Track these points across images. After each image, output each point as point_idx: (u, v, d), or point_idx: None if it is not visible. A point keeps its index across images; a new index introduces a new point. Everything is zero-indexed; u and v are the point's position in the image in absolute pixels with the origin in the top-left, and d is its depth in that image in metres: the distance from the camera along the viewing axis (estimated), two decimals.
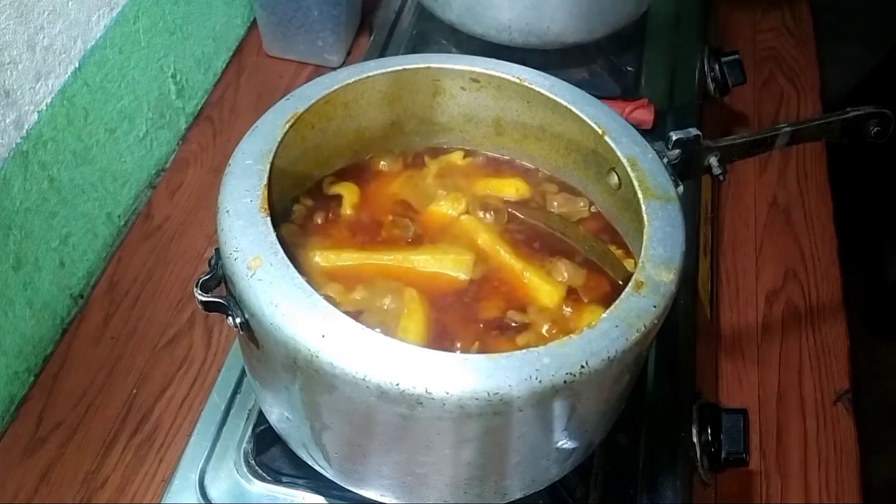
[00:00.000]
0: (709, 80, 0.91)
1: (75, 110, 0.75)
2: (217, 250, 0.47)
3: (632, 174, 0.51)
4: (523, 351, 0.41)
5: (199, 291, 0.46)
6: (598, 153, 0.54)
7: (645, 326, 0.43)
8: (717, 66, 0.91)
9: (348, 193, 0.57)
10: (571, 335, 0.42)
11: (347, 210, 0.56)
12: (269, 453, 0.60)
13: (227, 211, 0.46)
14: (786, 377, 0.79)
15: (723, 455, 0.62)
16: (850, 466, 0.74)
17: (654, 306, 0.44)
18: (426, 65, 0.57)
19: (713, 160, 0.56)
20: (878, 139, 0.58)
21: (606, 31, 0.83)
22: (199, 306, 0.46)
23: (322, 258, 0.53)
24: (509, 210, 0.57)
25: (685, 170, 0.55)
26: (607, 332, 0.43)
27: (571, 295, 0.52)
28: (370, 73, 0.55)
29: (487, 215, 0.56)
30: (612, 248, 0.55)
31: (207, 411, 0.63)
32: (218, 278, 0.47)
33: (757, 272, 0.87)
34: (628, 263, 0.54)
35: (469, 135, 0.61)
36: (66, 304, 0.78)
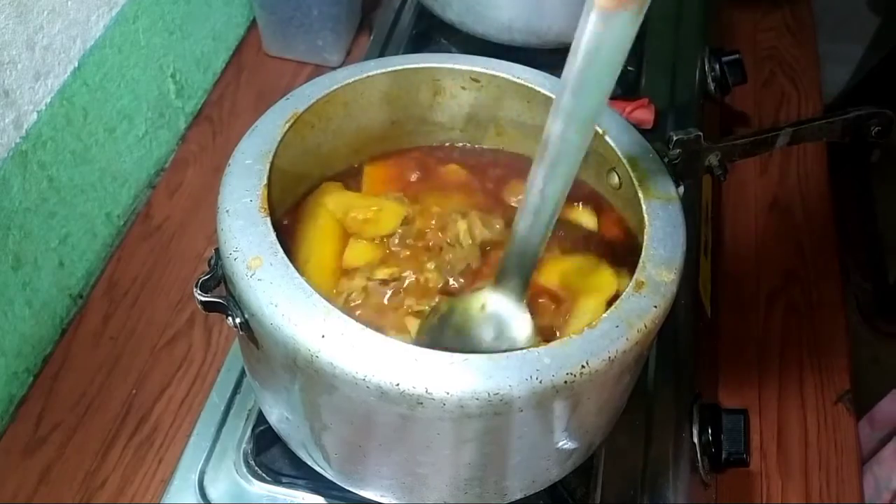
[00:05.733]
0: (709, 79, 0.91)
1: (74, 110, 0.75)
2: (217, 250, 0.47)
3: (632, 174, 0.51)
4: (523, 351, 0.41)
5: (199, 291, 0.46)
6: (598, 153, 0.54)
7: (646, 326, 0.43)
8: (717, 66, 0.91)
9: None
10: (572, 335, 0.42)
11: None
12: (269, 454, 0.60)
13: (227, 211, 0.46)
14: (786, 377, 0.79)
15: (723, 455, 0.62)
16: (850, 466, 0.74)
17: (655, 306, 0.44)
18: (426, 65, 0.57)
19: (714, 160, 0.56)
20: (878, 139, 0.58)
21: None
22: (199, 306, 0.46)
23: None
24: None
25: (685, 170, 0.54)
26: (608, 332, 0.43)
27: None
28: (370, 73, 0.55)
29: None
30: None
31: (207, 411, 0.63)
32: (218, 278, 0.47)
33: (757, 272, 0.87)
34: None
35: (469, 135, 0.61)
36: (65, 304, 0.78)
